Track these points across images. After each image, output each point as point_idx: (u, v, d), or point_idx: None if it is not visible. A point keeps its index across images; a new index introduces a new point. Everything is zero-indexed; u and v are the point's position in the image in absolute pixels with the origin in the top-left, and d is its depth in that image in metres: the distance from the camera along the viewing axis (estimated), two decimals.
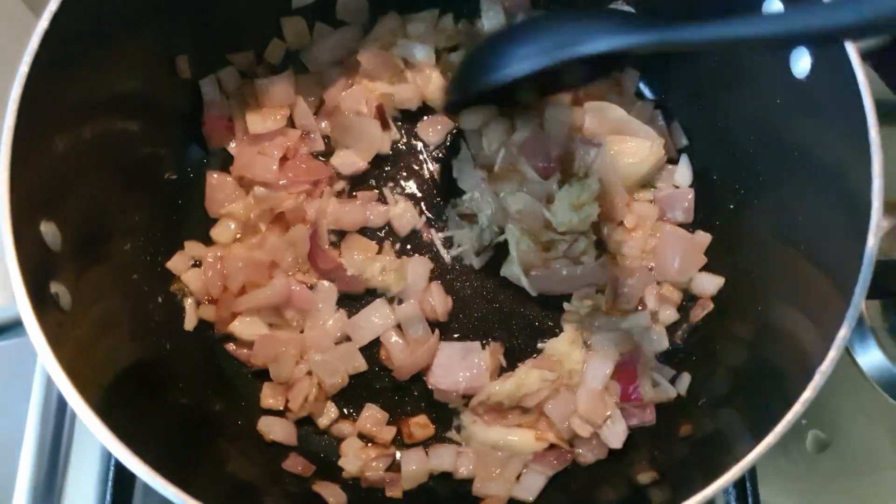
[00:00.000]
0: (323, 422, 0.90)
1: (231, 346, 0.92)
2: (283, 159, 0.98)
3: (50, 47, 0.66)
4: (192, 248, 0.93)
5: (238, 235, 0.96)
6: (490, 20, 1.02)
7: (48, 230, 0.66)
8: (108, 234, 0.80)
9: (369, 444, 0.90)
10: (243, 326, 0.91)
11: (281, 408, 0.90)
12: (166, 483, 0.60)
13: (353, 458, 0.87)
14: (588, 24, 0.71)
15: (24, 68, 0.64)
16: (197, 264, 0.94)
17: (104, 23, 0.74)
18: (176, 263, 0.92)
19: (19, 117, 0.63)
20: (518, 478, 0.86)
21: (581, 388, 0.88)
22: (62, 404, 0.94)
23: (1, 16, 1.05)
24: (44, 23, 0.66)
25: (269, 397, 0.90)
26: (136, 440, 0.61)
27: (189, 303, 0.92)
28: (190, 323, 0.91)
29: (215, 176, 0.97)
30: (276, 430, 0.88)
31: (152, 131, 0.89)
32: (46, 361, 0.59)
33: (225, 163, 0.99)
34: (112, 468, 0.88)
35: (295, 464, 0.86)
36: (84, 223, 0.74)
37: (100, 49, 0.74)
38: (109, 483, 0.87)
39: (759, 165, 0.86)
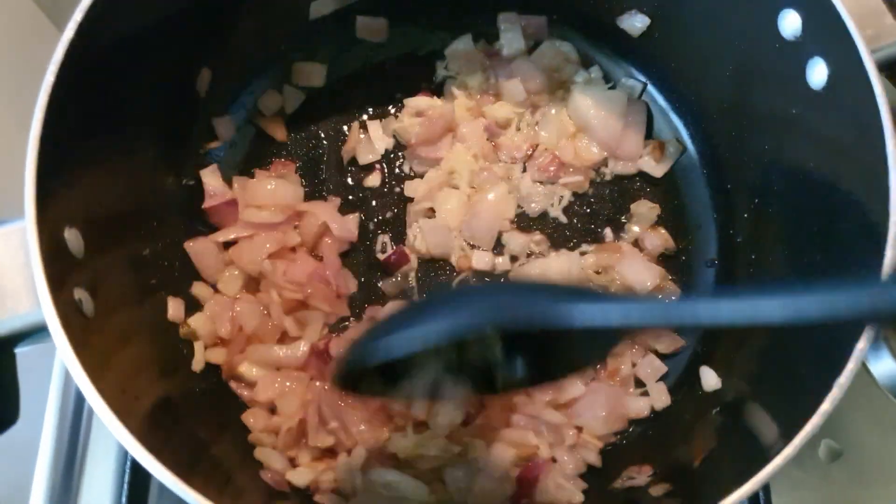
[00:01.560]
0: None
1: (234, 384, 0.89)
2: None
3: (74, 58, 0.66)
4: (199, 289, 0.91)
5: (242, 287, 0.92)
6: (509, 43, 1.03)
7: (71, 237, 0.67)
8: (129, 240, 0.81)
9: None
10: (252, 370, 0.89)
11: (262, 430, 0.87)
12: (185, 486, 0.61)
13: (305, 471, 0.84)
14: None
15: (49, 78, 0.65)
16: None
17: (127, 33, 0.75)
18: (174, 311, 0.86)
19: (45, 127, 0.64)
20: None
21: (480, 472, 0.83)
22: (79, 408, 0.95)
23: (24, 29, 1.07)
24: (69, 33, 0.67)
25: (251, 417, 0.87)
26: (154, 442, 0.62)
27: (199, 344, 0.88)
28: (198, 365, 0.87)
29: (192, 244, 0.91)
30: (272, 460, 0.85)
31: (170, 131, 0.90)
32: (71, 367, 0.60)
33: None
34: (128, 470, 0.89)
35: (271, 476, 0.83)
36: (106, 230, 0.74)
37: (123, 59, 0.75)
38: (125, 485, 0.88)
39: (774, 175, 0.86)
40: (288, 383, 0.88)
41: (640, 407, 0.91)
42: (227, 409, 0.89)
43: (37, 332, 0.67)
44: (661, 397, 0.91)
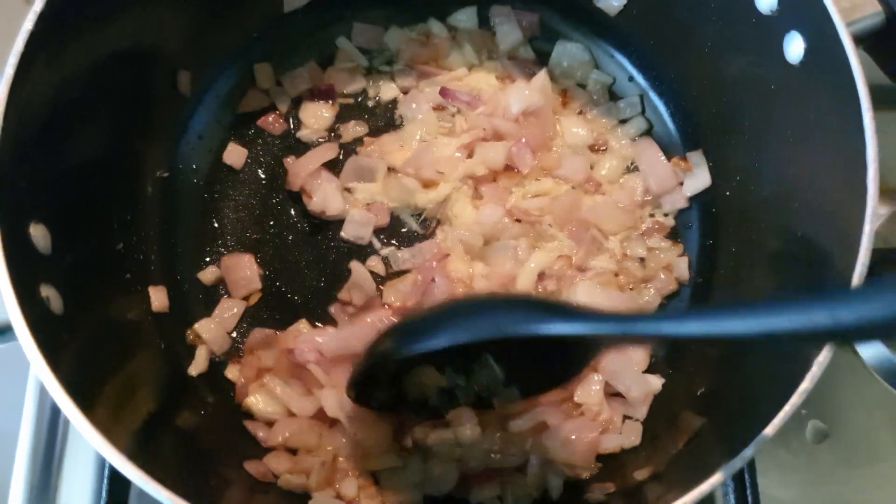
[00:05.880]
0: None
1: (248, 424, 0.85)
2: None
3: (37, 45, 0.65)
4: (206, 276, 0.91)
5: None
6: (505, 36, 1.01)
7: (37, 233, 0.66)
8: (100, 235, 0.80)
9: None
10: (263, 402, 0.85)
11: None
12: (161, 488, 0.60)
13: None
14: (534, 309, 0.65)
15: (9, 70, 0.63)
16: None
17: (90, 14, 0.73)
18: (159, 302, 0.86)
19: (6, 118, 0.62)
20: None
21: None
22: (57, 406, 0.93)
23: None
24: (28, 24, 0.65)
25: (273, 461, 0.82)
26: (127, 444, 0.61)
27: (202, 348, 0.87)
28: (196, 368, 0.86)
29: (227, 259, 0.91)
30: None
31: (143, 125, 0.88)
32: (35, 364, 0.59)
33: (210, 180, 0.96)
34: (107, 469, 0.87)
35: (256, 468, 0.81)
36: (75, 225, 0.73)
37: (87, 41, 0.73)
38: (105, 483, 0.86)
39: (755, 151, 0.85)
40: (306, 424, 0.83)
41: (611, 444, 0.85)
42: (207, 408, 0.87)
43: (6, 330, 0.66)
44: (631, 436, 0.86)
